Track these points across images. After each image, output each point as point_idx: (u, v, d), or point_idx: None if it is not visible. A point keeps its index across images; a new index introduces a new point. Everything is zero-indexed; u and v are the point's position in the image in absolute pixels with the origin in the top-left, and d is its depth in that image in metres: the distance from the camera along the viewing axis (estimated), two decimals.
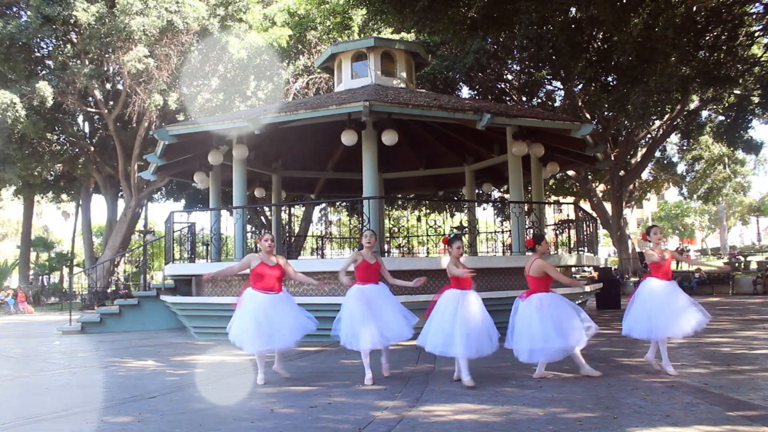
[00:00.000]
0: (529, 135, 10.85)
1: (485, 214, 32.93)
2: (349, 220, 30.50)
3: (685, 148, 28.32)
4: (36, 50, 21.21)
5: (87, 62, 19.25)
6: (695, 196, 32.32)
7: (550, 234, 15.02)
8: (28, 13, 19.02)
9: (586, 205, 23.11)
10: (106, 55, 19.34)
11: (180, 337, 10.59)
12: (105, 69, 21.49)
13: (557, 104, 23.54)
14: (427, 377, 5.87)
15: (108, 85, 22.63)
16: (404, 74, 12.61)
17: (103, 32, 17.94)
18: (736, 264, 26.51)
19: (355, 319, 5.62)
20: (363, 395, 5.06)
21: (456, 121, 9.88)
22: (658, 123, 22.91)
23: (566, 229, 13.18)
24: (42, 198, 30.23)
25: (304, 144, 14.20)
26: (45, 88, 18.16)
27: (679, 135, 26.09)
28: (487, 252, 17.20)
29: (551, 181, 24.82)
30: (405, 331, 5.71)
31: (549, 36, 17.32)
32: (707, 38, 16.27)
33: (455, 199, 22.53)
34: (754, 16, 17.31)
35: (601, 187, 27.85)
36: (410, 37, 18.99)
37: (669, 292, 5.92)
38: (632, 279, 23.52)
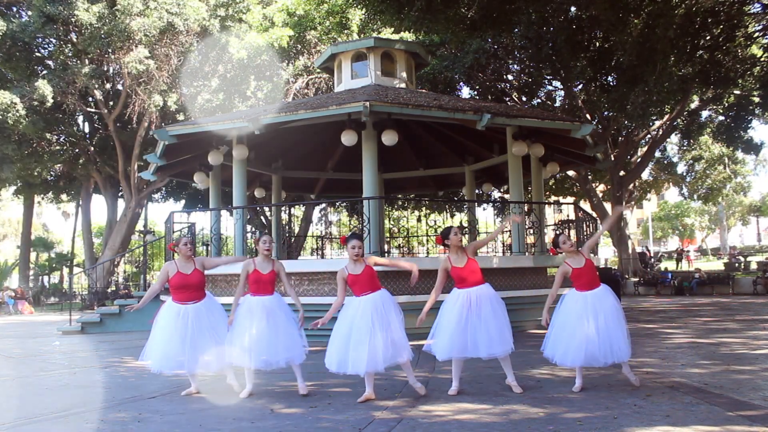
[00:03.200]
0: (529, 135, 10.85)
1: (485, 215, 32.94)
2: (349, 221, 30.53)
3: (685, 148, 28.32)
4: (37, 50, 21.22)
5: (87, 62, 19.24)
6: (695, 197, 32.31)
7: (550, 234, 15.01)
8: (30, 12, 19.03)
9: (586, 206, 23.10)
10: (107, 56, 19.34)
11: None
12: (105, 69, 21.49)
13: (557, 104, 23.54)
14: (426, 378, 5.87)
15: (108, 86, 22.62)
16: (404, 74, 12.61)
17: (104, 32, 17.93)
18: (736, 264, 26.52)
19: (242, 335, 5.11)
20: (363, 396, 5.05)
21: (456, 121, 9.88)
22: (658, 123, 22.92)
23: (566, 230, 13.18)
24: (42, 198, 30.21)
25: (304, 144, 14.20)
26: (45, 87, 18.15)
27: (679, 135, 26.09)
28: (487, 252, 17.15)
29: (551, 182, 24.81)
30: (295, 354, 5.18)
31: (549, 36, 17.34)
32: (706, 39, 16.28)
33: (455, 199, 22.53)
34: (753, 16, 17.33)
35: (601, 188, 27.85)
36: (410, 37, 18.97)
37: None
38: (632, 279, 23.54)
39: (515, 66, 22.97)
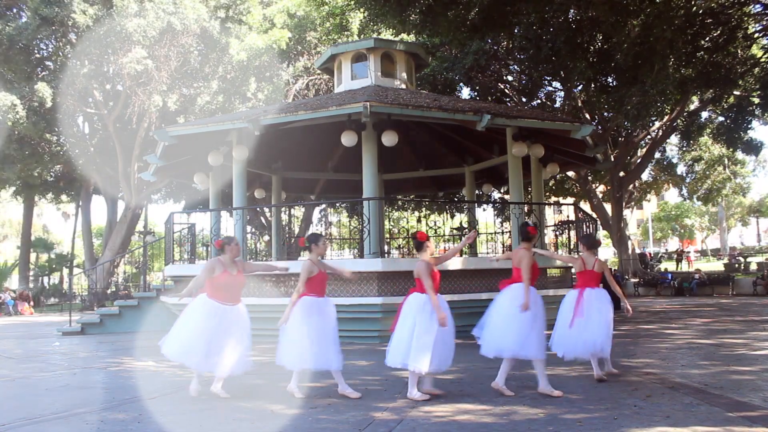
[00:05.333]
0: (529, 136, 10.85)
1: (485, 215, 32.91)
2: (349, 221, 30.50)
3: (684, 149, 28.34)
4: (36, 51, 21.23)
5: (86, 63, 19.25)
6: (695, 197, 32.34)
7: (550, 235, 15.02)
8: (27, 14, 19.03)
9: (586, 206, 23.12)
10: (106, 57, 19.34)
11: None
12: (105, 70, 21.49)
13: (557, 105, 23.55)
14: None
15: (108, 86, 22.63)
16: (404, 75, 12.61)
17: (102, 33, 17.93)
18: (736, 265, 26.53)
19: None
20: (363, 396, 5.06)
21: (456, 122, 9.89)
22: (657, 124, 22.93)
23: (566, 230, 13.18)
24: (42, 199, 30.20)
25: (304, 145, 14.20)
26: (44, 89, 18.16)
27: (678, 136, 26.11)
28: (488, 253, 17.15)
29: (551, 182, 24.82)
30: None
31: (548, 37, 17.35)
32: (706, 39, 16.30)
33: (455, 200, 22.53)
34: (753, 17, 17.34)
35: (601, 188, 27.86)
36: (410, 38, 19.00)
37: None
38: (632, 280, 23.54)
39: (515, 67, 22.99)
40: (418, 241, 5.25)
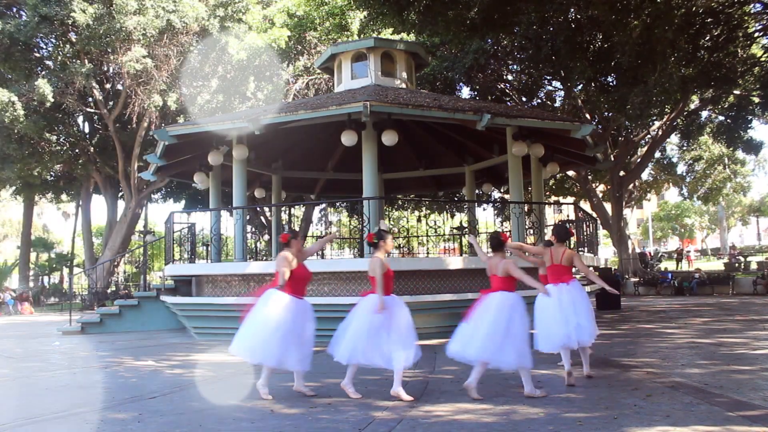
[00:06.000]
0: (529, 135, 10.84)
1: (485, 215, 32.92)
2: (349, 221, 30.51)
3: (684, 148, 28.34)
4: (35, 50, 21.23)
5: (86, 62, 19.25)
6: (695, 197, 32.33)
7: (550, 235, 15.00)
8: (27, 12, 19.03)
9: (586, 206, 23.10)
10: (106, 56, 19.34)
11: (180, 338, 10.59)
12: (105, 69, 21.49)
13: (557, 105, 23.55)
14: (426, 378, 5.87)
15: (108, 86, 22.64)
16: (404, 75, 12.60)
17: (102, 32, 17.93)
18: (736, 264, 26.53)
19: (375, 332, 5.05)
20: (363, 396, 5.06)
21: (456, 121, 9.88)
22: (657, 123, 22.93)
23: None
24: (42, 198, 30.17)
25: (304, 144, 14.20)
26: (44, 86, 18.15)
27: (678, 135, 26.10)
28: (488, 253, 17.21)
29: (551, 182, 24.82)
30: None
31: (548, 36, 17.34)
32: (706, 39, 16.29)
33: (455, 199, 22.53)
34: (753, 16, 17.33)
35: (601, 188, 27.86)
36: (410, 37, 18.98)
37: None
38: (632, 279, 23.54)
39: (515, 66, 22.98)
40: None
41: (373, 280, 5.13)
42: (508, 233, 12.60)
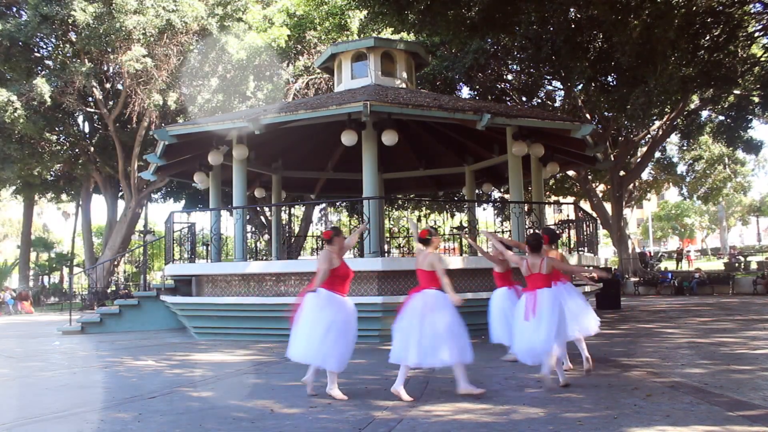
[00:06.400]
0: (529, 135, 10.84)
1: (485, 215, 32.97)
2: (349, 221, 30.50)
3: (685, 148, 28.34)
4: (36, 50, 21.22)
5: (86, 62, 19.24)
6: (695, 197, 32.33)
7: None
8: (27, 12, 19.03)
9: (586, 206, 23.11)
10: (106, 55, 19.34)
11: (180, 338, 10.59)
12: (105, 68, 21.47)
13: (557, 104, 23.54)
14: (426, 378, 5.87)
15: (108, 85, 22.62)
16: (404, 74, 12.60)
17: (102, 31, 17.93)
18: (736, 264, 26.53)
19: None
20: (363, 396, 5.06)
21: (456, 121, 9.88)
22: (658, 123, 22.92)
23: (566, 230, 13.18)
24: (42, 198, 30.16)
25: (304, 144, 14.19)
26: (43, 85, 18.15)
27: (679, 135, 26.11)
28: (488, 252, 17.21)
29: (551, 182, 24.83)
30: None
31: (548, 36, 17.34)
32: (706, 39, 16.28)
33: (455, 199, 22.52)
34: (753, 16, 17.33)
35: (601, 188, 27.87)
36: (410, 37, 18.97)
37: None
38: (632, 279, 23.54)
39: (515, 66, 22.98)
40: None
41: (422, 274, 5.01)
42: (508, 233, 12.63)
